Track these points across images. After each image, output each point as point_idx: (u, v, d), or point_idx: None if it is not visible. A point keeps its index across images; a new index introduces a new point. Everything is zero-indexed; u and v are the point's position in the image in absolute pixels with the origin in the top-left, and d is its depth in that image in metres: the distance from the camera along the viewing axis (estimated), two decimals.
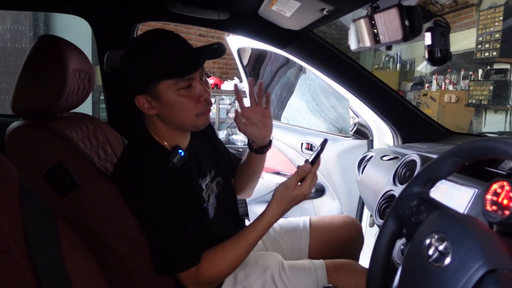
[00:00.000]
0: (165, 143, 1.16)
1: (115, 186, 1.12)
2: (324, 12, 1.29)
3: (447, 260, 0.69)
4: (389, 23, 1.00)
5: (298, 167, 1.11)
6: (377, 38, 1.07)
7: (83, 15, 1.67)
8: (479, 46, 5.55)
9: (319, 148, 1.13)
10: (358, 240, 1.54)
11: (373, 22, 1.08)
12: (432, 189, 0.90)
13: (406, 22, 0.94)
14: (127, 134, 1.52)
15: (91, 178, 1.11)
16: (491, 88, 5.27)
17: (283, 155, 2.62)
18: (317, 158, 1.13)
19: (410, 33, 0.95)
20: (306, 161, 1.13)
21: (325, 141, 1.15)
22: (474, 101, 5.71)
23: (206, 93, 1.11)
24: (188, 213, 1.12)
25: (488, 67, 5.57)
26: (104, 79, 1.75)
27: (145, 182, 1.08)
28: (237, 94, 1.27)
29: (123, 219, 1.10)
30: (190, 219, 1.12)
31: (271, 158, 2.81)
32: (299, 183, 1.12)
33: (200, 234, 1.13)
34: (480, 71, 5.83)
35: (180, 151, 1.13)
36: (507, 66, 5.23)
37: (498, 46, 5.17)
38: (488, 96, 5.35)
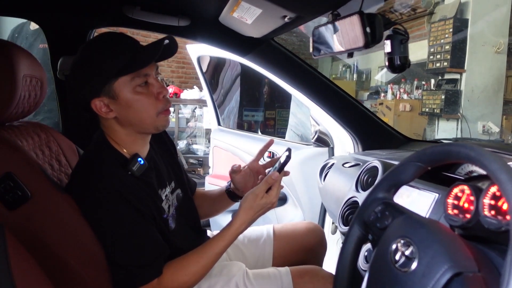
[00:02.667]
0: (124, 150, 1.12)
1: (70, 198, 1.06)
2: (286, 20, 1.29)
3: (414, 265, 0.69)
4: (350, 30, 1.01)
5: (267, 176, 1.13)
6: (339, 45, 1.07)
7: (36, 20, 1.60)
8: (431, 57, 5.75)
9: (285, 157, 1.16)
10: (321, 246, 1.55)
11: (334, 29, 1.08)
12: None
13: (368, 29, 0.95)
14: (82, 143, 1.45)
15: (44, 189, 1.05)
16: (443, 97, 5.48)
17: (244, 163, 2.59)
18: (283, 166, 1.15)
19: (371, 40, 0.96)
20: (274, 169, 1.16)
21: (289, 150, 1.18)
22: (427, 109, 5.91)
23: (165, 90, 1.10)
24: (148, 223, 1.08)
25: (440, 77, 5.79)
26: (58, 87, 1.67)
27: (102, 191, 1.03)
28: (263, 148, 1.39)
29: (79, 233, 1.04)
30: (150, 229, 1.08)
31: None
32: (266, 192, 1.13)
33: (161, 245, 1.09)
34: (433, 81, 6.05)
35: (139, 159, 1.10)
36: (457, 76, 5.46)
37: (449, 57, 5.39)
38: (440, 105, 5.55)
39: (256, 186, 1.14)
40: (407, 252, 0.71)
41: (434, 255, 0.67)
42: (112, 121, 1.11)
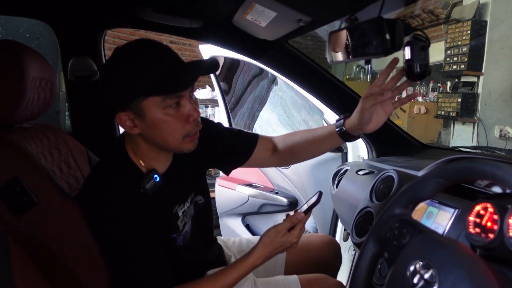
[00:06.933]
0: (142, 163, 1.05)
1: (77, 205, 1.03)
2: (301, 23, 1.25)
3: None
4: (369, 36, 0.96)
5: (292, 215, 1.10)
6: (356, 52, 1.03)
7: (46, 20, 1.58)
8: (448, 59, 5.66)
9: (315, 200, 1.12)
10: (336, 259, 1.51)
11: (351, 34, 1.04)
12: None
13: (387, 36, 0.91)
14: (92, 145, 1.43)
15: (50, 195, 1.02)
16: (459, 100, 5.38)
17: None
18: (311, 209, 1.11)
19: (391, 47, 0.91)
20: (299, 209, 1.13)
21: (320, 194, 1.13)
22: (442, 112, 5.81)
23: (196, 113, 0.99)
24: (155, 244, 1.03)
25: (456, 80, 5.69)
26: (68, 87, 1.65)
27: (110, 206, 0.98)
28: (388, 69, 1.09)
29: (85, 241, 1.02)
30: (157, 251, 1.03)
31: (244, 170, 2.76)
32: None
33: (167, 267, 1.04)
34: (449, 83, 5.95)
35: (155, 176, 1.03)
36: (474, 79, 5.36)
37: (466, 59, 5.28)
38: (456, 108, 5.45)
39: (279, 223, 1.11)
40: (426, 276, 0.67)
41: (455, 280, 0.63)
42: (136, 134, 1.03)
